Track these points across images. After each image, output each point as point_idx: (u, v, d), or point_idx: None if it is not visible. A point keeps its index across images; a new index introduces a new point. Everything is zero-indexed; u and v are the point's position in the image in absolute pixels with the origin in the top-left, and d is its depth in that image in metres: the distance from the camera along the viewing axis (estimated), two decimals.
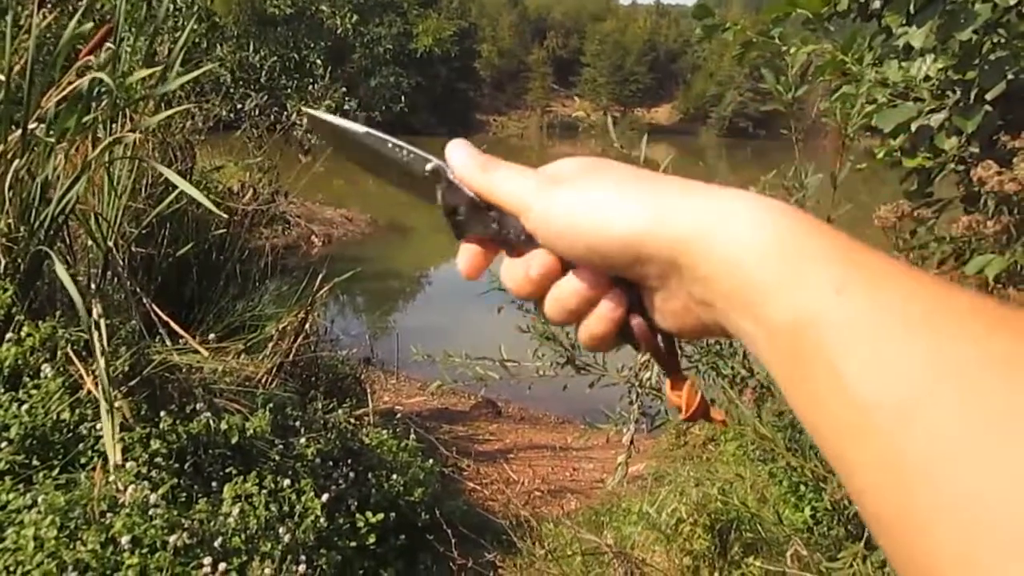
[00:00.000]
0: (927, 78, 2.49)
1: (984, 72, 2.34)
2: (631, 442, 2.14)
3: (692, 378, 0.49)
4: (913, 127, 2.49)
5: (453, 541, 3.05)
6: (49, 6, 3.69)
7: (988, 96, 2.33)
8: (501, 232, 0.49)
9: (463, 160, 0.49)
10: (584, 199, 0.44)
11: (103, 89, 3.06)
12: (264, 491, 2.80)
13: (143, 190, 3.83)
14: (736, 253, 0.39)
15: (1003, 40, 2.36)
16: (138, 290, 3.45)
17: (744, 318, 0.39)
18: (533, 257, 0.47)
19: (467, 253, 0.51)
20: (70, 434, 2.63)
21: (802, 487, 2.73)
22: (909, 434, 0.31)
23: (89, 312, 2.78)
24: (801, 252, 0.37)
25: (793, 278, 0.36)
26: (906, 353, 0.32)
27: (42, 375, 2.70)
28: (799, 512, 2.77)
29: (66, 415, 2.64)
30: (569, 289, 0.47)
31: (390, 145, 0.52)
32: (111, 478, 2.46)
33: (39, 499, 2.30)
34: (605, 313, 0.46)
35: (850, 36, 2.59)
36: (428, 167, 0.50)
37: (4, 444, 2.47)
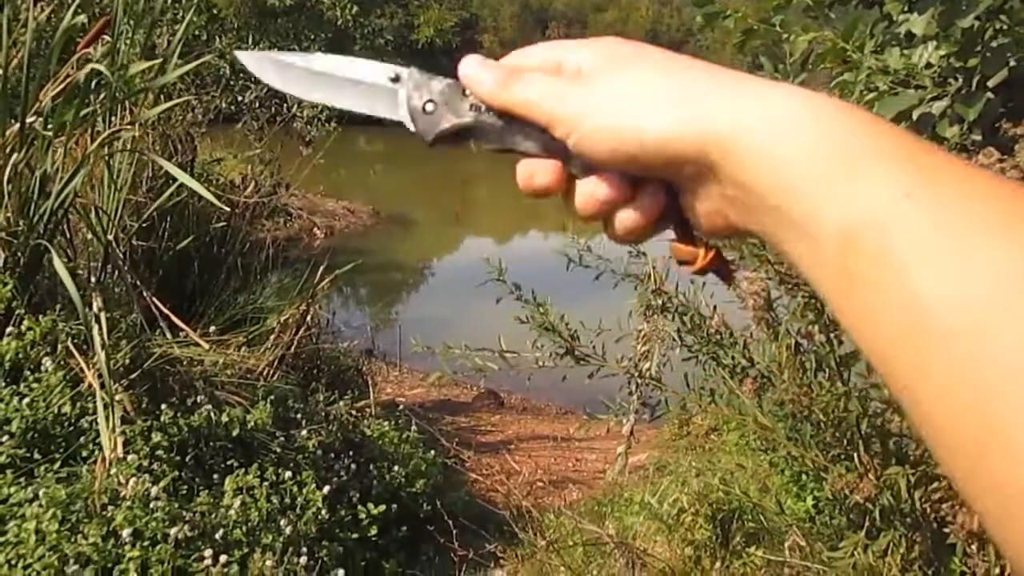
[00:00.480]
0: (928, 65, 2.47)
1: (986, 59, 2.33)
2: (631, 432, 2.14)
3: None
4: (915, 115, 2.47)
5: (455, 532, 3.06)
6: (46, 0, 3.68)
7: (990, 83, 2.32)
8: (479, 118, 0.45)
9: (480, 75, 0.45)
10: (611, 103, 0.41)
11: (101, 82, 3.05)
12: (265, 483, 2.80)
13: (143, 183, 3.83)
14: (779, 151, 0.36)
15: (1005, 27, 2.35)
16: (139, 283, 3.45)
17: (784, 221, 0.37)
18: (536, 168, 0.45)
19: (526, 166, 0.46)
20: (71, 427, 2.64)
21: (803, 477, 2.72)
22: (992, 338, 0.29)
23: (89, 306, 2.79)
24: (860, 151, 0.35)
25: (850, 179, 0.34)
26: (988, 257, 0.30)
27: (43, 369, 2.70)
28: (801, 502, 2.77)
29: (67, 408, 2.64)
30: (591, 192, 0.44)
31: (346, 63, 0.48)
32: (112, 471, 2.46)
33: (40, 492, 2.31)
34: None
35: (851, 23, 2.58)
36: (390, 74, 0.47)
37: (5, 438, 2.47)
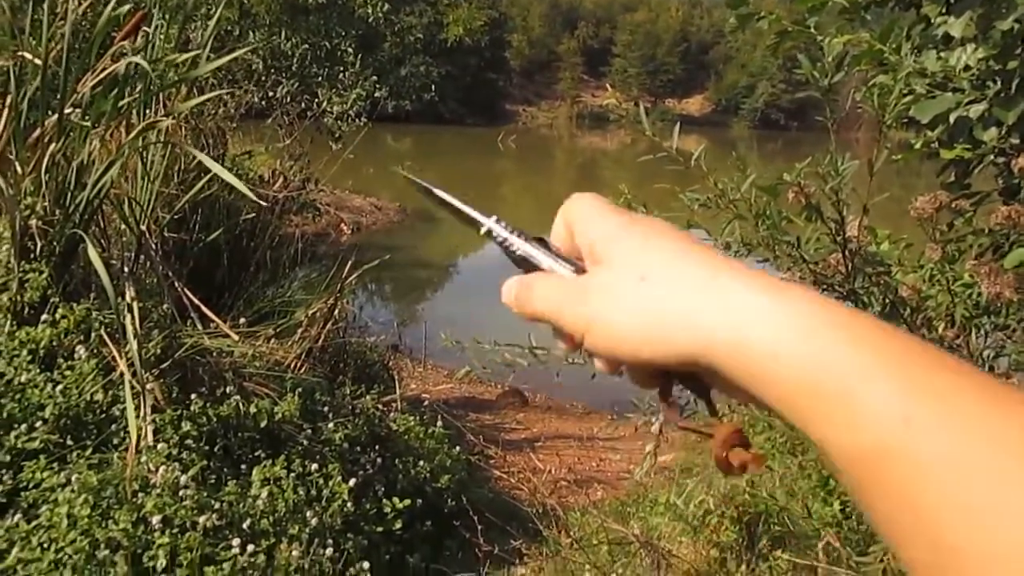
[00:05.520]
0: (967, 68, 2.44)
1: None
2: (660, 432, 2.13)
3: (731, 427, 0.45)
4: (952, 118, 2.44)
5: (479, 528, 3.06)
6: None
7: None
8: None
9: (505, 295, 0.49)
10: (604, 325, 0.43)
11: (137, 74, 3.09)
12: (292, 475, 2.82)
13: (176, 176, 3.87)
14: (774, 371, 0.36)
15: None
16: (170, 274, 3.48)
17: (803, 430, 0.36)
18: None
19: None
20: (103, 415, 2.67)
21: (832, 481, 2.70)
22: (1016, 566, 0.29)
23: (122, 295, 2.82)
24: (855, 366, 0.34)
25: (850, 401, 0.34)
26: (998, 497, 0.30)
27: (76, 356, 2.73)
28: (828, 506, 2.74)
29: (99, 396, 2.68)
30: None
31: (454, 203, 0.55)
32: (143, 459, 2.49)
33: (72, 478, 2.34)
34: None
35: (888, 25, 2.55)
36: (482, 231, 0.52)
37: (39, 424, 2.51)
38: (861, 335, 0.35)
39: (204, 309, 3.36)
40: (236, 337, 3.27)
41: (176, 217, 3.88)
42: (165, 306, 3.18)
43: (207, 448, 2.75)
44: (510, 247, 0.50)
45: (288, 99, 8.86)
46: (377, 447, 3.46)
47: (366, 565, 2.74)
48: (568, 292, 0.45)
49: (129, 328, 2.72)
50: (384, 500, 3.16)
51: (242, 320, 3.63)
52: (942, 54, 2.53)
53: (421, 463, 3.58)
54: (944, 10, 2.58)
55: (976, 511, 0.30)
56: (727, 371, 0.38)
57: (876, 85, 2.41)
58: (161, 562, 2.25)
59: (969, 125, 2.45)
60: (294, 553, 2.51)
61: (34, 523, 2.27)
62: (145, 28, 3.17)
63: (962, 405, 0.32)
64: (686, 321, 0.39)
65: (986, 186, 2.59)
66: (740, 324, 0.37)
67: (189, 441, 2.68)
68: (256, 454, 2.91)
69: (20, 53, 2.99)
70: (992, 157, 2.46)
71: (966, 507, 0.30)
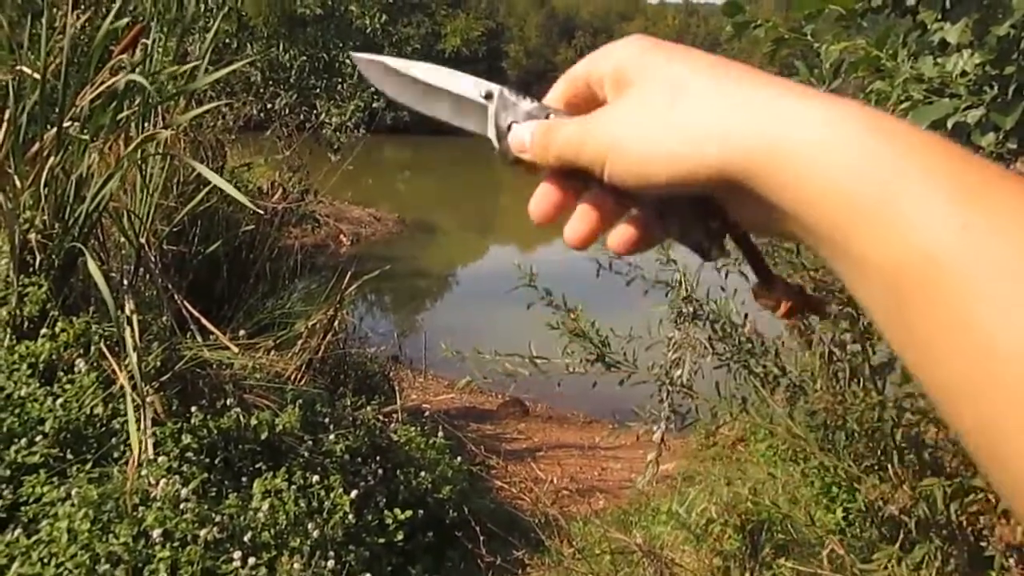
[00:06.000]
0: (963, 73, 2.44)
1: (1022, 67, 2.30)
2: (662, 440, 2.13)
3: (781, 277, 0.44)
4: (949, 124, 2.44)
5: (481, 539, 3.05)
6: (83, 7, 3.73)
7: None
8: None
9: (524, 141, 0.45)
10: (623, 141, 0.40)
11: (135, 87, 3.09)
12: (293, 487, 2.81)
13: (175, 188, 3.87)
14: (818, 180, 0.34)
15: None
16: (170, 287, 3.48)
17: (826, 247, 0.35)
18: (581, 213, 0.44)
19: (542, 194, 0.45)
20: (103, 428, 2.66)
21: (834, 488, 2.69)
22: None
23: (121, 308, 2.82)
24: (909, 175, 0.32)
25: (899, 211, 0.32)
26: None
27: (76, 370, 2.73)
28: (831, 513, 2.74)
29: (99, 409, 2.67)
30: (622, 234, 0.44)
31: (444, 74, 0.50)
32: (143, 472, 2.48)
33: (73, 492, 2.33)
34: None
35: (884, 32, 2.55)
36: (483, 91, 0.48)
37: (39, 438, 2.50)
38: (914, 143, 0.33)
39: (204, 321, 3.36)
40: (236, 349, 3.26)
41: (175, 229, 3.88)
42: (165, 319, 3.17)
43: (208, 461, 2.74)
44: (519, 102, 0.46)
45: (287, 111, 8.89)
46: (378, 458, 3.45)
47: None
48: (590, 122, 0.42)
49: (129, 341, 2.71)
50: (385, 511, 3.15)
51: (242, 332, 3.63)
52: (939, 60, 2.53)
53: (422, 474, 3.57)
54: (940, 16, 2.58)
55: None
56: (763, 185, 0.36)
57: (873, 92, 2.41)
58: None
59: (967, 130, 2.45)
60: (296, 566, 2.50)
61: (34, 538, 2.26)
62: (144, 41, 3.18)
63: (1021, 212, 0.31)
64: (720, 130, 0.37)
65: None
66: (783, 130, 0.35)
67: (190, 454, 2.67)
68: (257, 466, 2.90)
69: (19, 67, 2.99)
70: (991, 162, 2.46)
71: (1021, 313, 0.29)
